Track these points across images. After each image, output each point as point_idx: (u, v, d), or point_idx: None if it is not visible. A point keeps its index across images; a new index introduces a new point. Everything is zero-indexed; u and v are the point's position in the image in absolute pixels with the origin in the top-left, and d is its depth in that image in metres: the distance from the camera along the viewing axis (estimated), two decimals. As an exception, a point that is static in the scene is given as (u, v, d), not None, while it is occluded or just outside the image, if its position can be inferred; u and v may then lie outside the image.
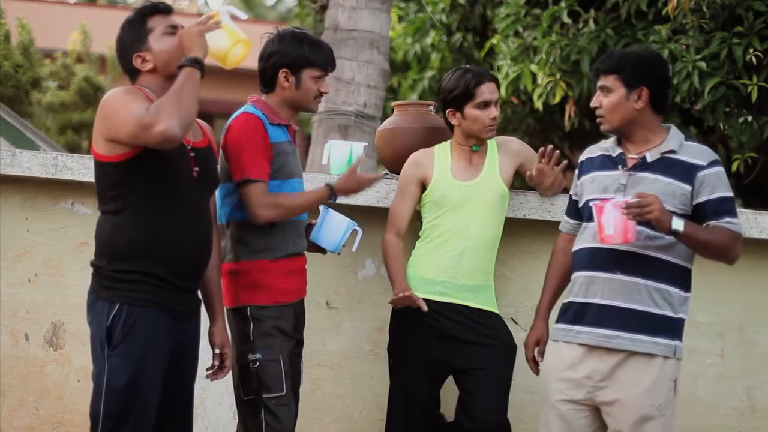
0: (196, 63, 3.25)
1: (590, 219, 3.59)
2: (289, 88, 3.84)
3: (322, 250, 3.99)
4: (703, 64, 6.03)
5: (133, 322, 3.23)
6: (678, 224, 3.43)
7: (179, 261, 3.31)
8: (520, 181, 4.18)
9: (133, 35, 3.37)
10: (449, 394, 4.06)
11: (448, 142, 4.12)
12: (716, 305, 4.38)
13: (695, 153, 3.60)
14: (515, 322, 4.24)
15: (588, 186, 3.69)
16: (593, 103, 3.67)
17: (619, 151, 3.65)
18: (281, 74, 3.82)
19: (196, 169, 3.37)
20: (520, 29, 7.54)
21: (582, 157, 3.79)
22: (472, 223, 3.98)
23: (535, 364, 3.88)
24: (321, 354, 4.39)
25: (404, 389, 3.97)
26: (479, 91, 3.98)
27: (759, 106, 6.28)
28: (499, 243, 4.06)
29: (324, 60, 3.86)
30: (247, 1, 29.03)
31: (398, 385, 4.00)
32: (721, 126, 6.54)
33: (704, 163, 3.57)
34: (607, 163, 3.67)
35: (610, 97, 3.61)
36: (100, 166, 3.31)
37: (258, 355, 3.69)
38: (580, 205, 3.73)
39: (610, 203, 3.42)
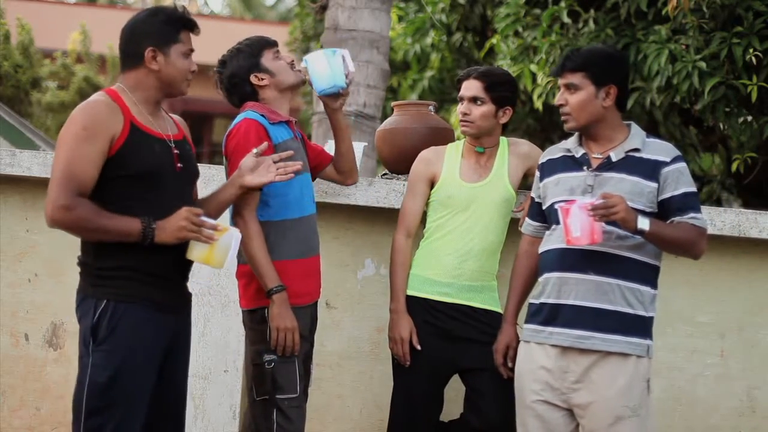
0: (145, 233, 3.19)
1: (558, 221, 3.57)
2: (268, 86, 3.83)
3: (337, 96, 3.95)
4: (703, 64, 6.03)
5: (119, 318, 3.20)
6: (643, 223, 3.42)
7: (165, 255, 3.29)
8: (521, 181, 4.18)
9: (160, 33, 3.32)
10: (450, 393, 4.06)
11: (462, 141, 4.12)
12: (716, 305, 4.38)
13: (658, 150, 3.59)
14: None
15: (552, 188, 3.66)
16: (558, 101, 3.65)
17: (582, 151, 3.64)
18: (253, 78, 3.83)
19: (179, 165, 3.36)
20: (520, 29, 7.54)
21: (542, 159, 3.77)
22: (477, 225, 3.98)
23: (505, 369, 3.88)
24: (321, 354, 4.39)
25: (408, 389, 3.97)
26: (460, 87, 4.04)
27: (759, 106, 6.28)
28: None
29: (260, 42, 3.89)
30: (247, 1, 29.02)
31: (402, 385, 4.00)
32: (721, 126, 6.55)
33: (668, 160, 3.56)
34: (570, 164, 3.65)
35: (578, 95, 3.59)
36: None
37: (273, 356, 3.69)
38: (544, 207, 3.71)
39: (576, 205, 3.40)
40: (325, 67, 3.90)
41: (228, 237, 3.28)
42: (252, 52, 3.85)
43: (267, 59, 3.85)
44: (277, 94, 3.86)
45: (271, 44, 3.90)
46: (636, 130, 3.65)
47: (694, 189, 3.58)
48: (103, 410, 3.19)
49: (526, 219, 3.86)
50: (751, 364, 4.38)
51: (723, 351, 4.38)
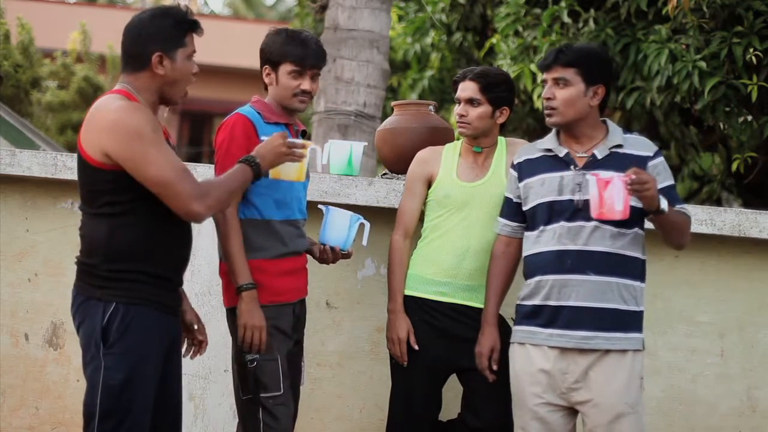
0: (256, 169, 3.35)
1: (548, 222, 3.59)
2: (272, 84, 3.81)
3: (340, 254, 3.93)
4: (703, 64, 6.03)
5: (130, 320, 3.20)
6: (664, 203, 3.48)
7: (174, 258, 3.31)
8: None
9: (168, 37, 3.27)
10: (448, 393, 4.06)
11: (460, 140, 4.12)
12: (716, 305, 4.38)
13: (639, 145, 3.64)
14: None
15: (538, 188, 3.66)
16: (545, 94, 3.64)
17: (565, 150, 3.64)
18: (264, 71, 3.81)
19: None
20: (520, 29, 7.54)
21: (519, 159, 3.76)
22: (475, 225, 3.98)
23: (491, 372, 3.87)
24: (321, 354, 4.39)
25: (406, 388, 3.97)
26: (456, 88, 4.05)
27: (759, 106, 6.28)
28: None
29: (298, 53, 3.74)
30: (248, 1, 29.04)
31: (400, 385, 4.00)
32: (721, 126, 6.55)
33: (651, 154, 3.63)
34: (554, 163, 3.65)
35: (567, 91, 3.59)
36: (94, 170, 3.21)
37: (255, 355, 3.69)
38: (525, 208, 3.70)
39: (617, 177, 3.41)
40: (343, 230, 3.89)
41: (312, 152, 3.63)
42: (276, 53, 3.78)
43: (286, 69, 3.78)
44: (275, 102, 3.81)
45: (293, 61, 3.78)
46: (613, 126, 3.68)
47: (674, 182, 3.66)
48: (118, 412, 3.18)
49: (501, 219, 3.85)
50: (751, 364, 4.38)
51: (723, 351, 4.38)
